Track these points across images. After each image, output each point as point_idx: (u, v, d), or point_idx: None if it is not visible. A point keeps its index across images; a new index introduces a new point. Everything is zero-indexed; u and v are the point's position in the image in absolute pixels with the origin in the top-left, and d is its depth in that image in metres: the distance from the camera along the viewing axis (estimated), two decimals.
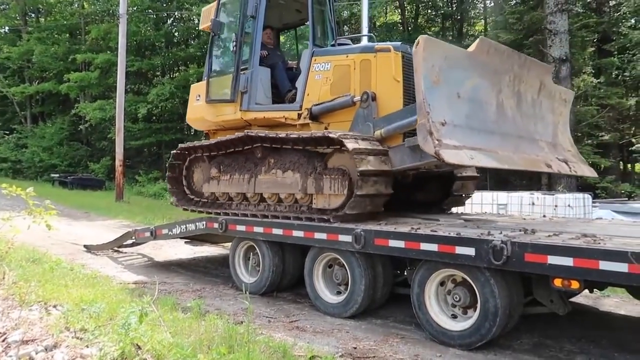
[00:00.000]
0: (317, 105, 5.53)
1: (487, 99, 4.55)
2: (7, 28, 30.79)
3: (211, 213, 6.23)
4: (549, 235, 3.83)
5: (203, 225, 6.03)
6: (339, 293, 4.89)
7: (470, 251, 3.72)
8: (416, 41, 3.97)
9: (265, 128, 6.00)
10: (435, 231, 4.11)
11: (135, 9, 23.24)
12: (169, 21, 26.57)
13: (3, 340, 3.77)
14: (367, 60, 5.24)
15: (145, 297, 4.51)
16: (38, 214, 5.43)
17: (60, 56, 26.43)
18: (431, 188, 6.26)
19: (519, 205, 9.01)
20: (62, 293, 4.93)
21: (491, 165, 4.30)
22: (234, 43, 6.13)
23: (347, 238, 4.49)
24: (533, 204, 8.90)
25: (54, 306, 4.73)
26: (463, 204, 6.64)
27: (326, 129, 5.42)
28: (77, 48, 26.12)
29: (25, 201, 5.35)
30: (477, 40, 4.49)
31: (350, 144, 4.61)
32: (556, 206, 8.72)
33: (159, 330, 3.79)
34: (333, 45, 5.93)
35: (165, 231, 6.61)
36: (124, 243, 7.87)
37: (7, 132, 28.83)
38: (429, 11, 23.95)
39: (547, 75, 5.37)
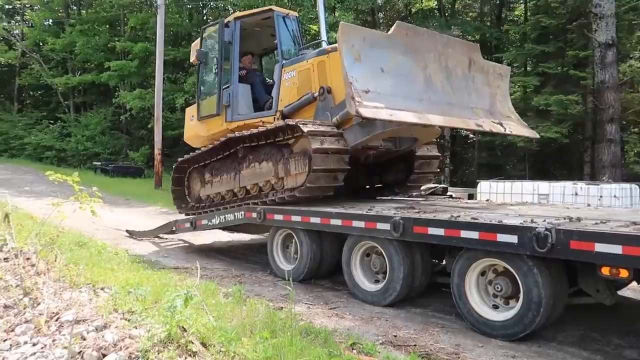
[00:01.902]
0: (286, 106, 6.47)
1: (413, 73, 5.17)
2: (50, 20, 31.76)
3: (208, 212, 7.09)
4: (596, 223, 3.72)
5: (242, 215, 6.13)
6: (377, 282, 4.90)
7: (512, 239, 3.64)
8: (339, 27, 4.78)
9: None
10: (476, 218, 4.05)
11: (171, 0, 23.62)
12: (204, 11, 26.91)
13: (57, 320, 3.95)
14: (323, 61, 6.13)
15: (187, 281, 4.65)
16: (84, 200, 5.65)
17: (101, 47, 27.12)
18: (394, 168, 6.86)
19: (561, 195, 8.75)
20: (108, 276, 5.12)
21: (410, 119, 4.85)
22: (216, 66, 7.42)
23: (385, 226, 4.48)
24: (576, 194, 8.63)
25: (102, 288, 4.91)
26: (429, 181, 7.35)
27: None
28: (117, 39, 26.76)
29: (72, 187, 5.57)
30: (395, 24, 5.16)
31: (305, 128, 5.46)
32: (601, 197, 8.42)
33: (202, 314, 3.90)
34: (296, 56, 6.85)
35: (204, 222, 6.76)
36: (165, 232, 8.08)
37: (52, 122, 29.86)
38: None
39: (475, 53, 5.91)
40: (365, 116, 4.57)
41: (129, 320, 3.84)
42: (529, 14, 20.85)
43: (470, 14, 22.51)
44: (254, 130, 6.30)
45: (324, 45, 6.58)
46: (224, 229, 6.81)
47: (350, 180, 6.09)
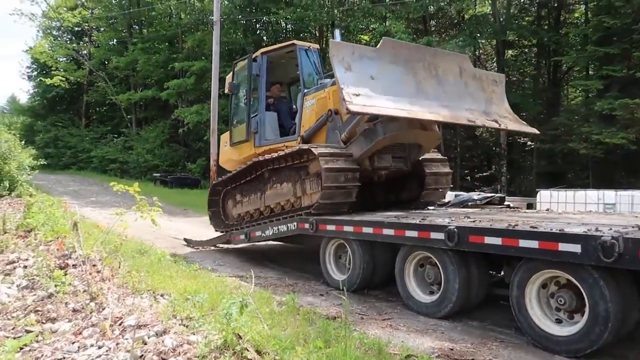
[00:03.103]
0: (306, 131, 7.02)
1: (404, 79, 5.77)
2: (115, 40, 33.74)
3: (241, 228, 7.73)
4: None
5: (294, 226, 6.20)
6: (431, 293, 4.79)
7: (575, 248, 3.46)
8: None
9: None
10: (536, 227, 3.89)
11: (226, 17, 24.42)
12: (257, 25, 27.64)
13: (120, 324, 4.14)
14: (337, 90, 6.19)
15: (242, 289, 4.74)
16: (145, 209, 5.91)
17: (160, 64, 28.46)
18: (407, 186, 7.22)
19: (629, 205, 8.25)
20: (167, 283, 5.30)
21: (397, 113, 5.43)
22: (245, 96, 8.12)
23: (440, 235, 4.38)
24: None
25: (161, 295, 5.09)
26: (442, 197, 7.54)
27: None
28: (174, 56, 27.98)
29: (134, 197, 5.84)
30: (382, 40, 5.87)
31: (316, 151, 6.04)
32: None
33: (256, 322, 3.95)
34: (316, 85, 7.39)
35: (258, 233, 6.89)
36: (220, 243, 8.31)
37: (116, 136, 31.58)
38: (522, 0, 22.67)
39: (465, 62, 6.48)
40: (354, 111, 5.17)
41: (187, 327, 3.96)
42: (589, 15, 19.96)
43: (527, 18, 21.79)
44: (275, 154, 6.86)
45: None
46: (276, 240, 6.92)
47: (368, 199, 6.61)
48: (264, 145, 7.77)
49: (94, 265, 6.04)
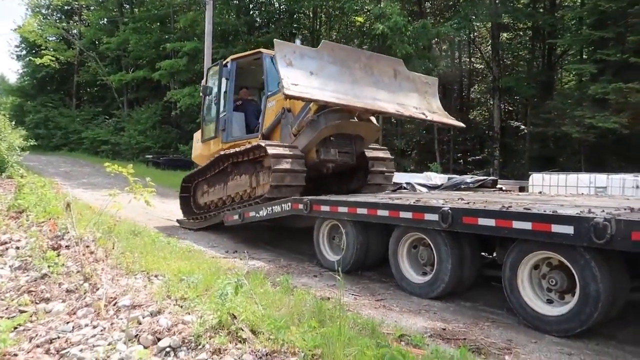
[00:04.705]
0: (266, 128, 7.79)
1: (341, 77, 6.53)
2: (105, 20, 33.13)
3: (206, 217, 8.66)
4: None
5: (288, 207, 6.20)
6: (424, 274, 4.83)
7: (568, 229, 3.49)
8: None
9: None
10: (529, 209, 3.91)
11: None
12: (251, 5, 27.24)
13: (114, 305, 4.14)
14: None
15: (236, 270, 4.75)
16: (138, 191, 5.87)
17: (152, 44, 28.03)
18: (355, 176, 7.93)
19: (620, 188, 8.31)
20: (161, 264, 5.29)
21: (330, 100, 6.16)
22: (215, 98, 8.98)
23: (434, 217, 4.40)
24: (637, 187, 8.18)
25: (155, 276, 5.08)
26: (390, 181, 8.17)
27: None
28: (167, 37, 27.58)
29: (127, 179, 5.79)
30: (321, 42, 6.79)
31: (270, 150, 6.70)
32: None
33: (251, 302, 3.97)
34: (278, 89, 7.82)
35: (252, 214, 6.89)
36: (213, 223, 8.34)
37: (107, 117, 31.23)
38: None
39: (399, 66, 7.39)
40: (289, 94, 5.86)
41: (181, 307, 3.97)
42: None
43: (522, 0, 21.63)
44: (237, 149, 7.61)
45: None
46: (269, 220, 6.94)
47: (322, 189, 7.26)
48: (230, 141, 8.54)
49: (87, 246, 6.02)
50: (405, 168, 20.23)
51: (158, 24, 30.02)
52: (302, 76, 6.12)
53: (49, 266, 5.11)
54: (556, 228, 3.55)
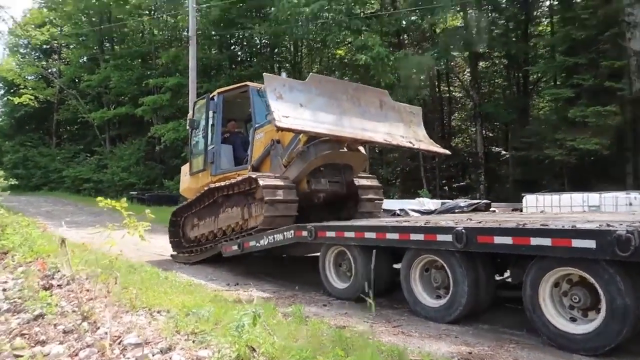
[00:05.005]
0: (255, 159, 7.82)
1: (329, 109, 6.67)
2: (85, 57, 33.02)
3: (198, 251, 8.57)
4: None
5: (291, 234, 6.08)
6: (438, 297, 4.72)
7: (590, 244, 3.44)
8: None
9: None
10: (546, 225, 3.88)
11: (200, 33, 24.26)
12: (231, 40, 27.53)
13: (119, 343, 3.92)
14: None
15: (243, 303, 4.58)
16: (133, 225, 5.68)
17: (134, 81, 27.97)
18: (345, 206, 7.92)
19: (613, 206, 8.41)
20: (163, 299, 5.08)
21: (320, 131, 6.37)
22: (204, 131, 8.97)
23: (447, 237, 4.33)
24: (630, 204, 8.29)
25: (158, 311, 4.87)
26: (379, 208, 8.20)
27: None
28: (149, 73, 27.59)
29: (112, 216, 5.59)
30: (309, 75, 6.94)
31: (261, 181, 6.75)
32: None
33: (265, 334, 3.80)
34: (265, 121, 7.99)
35: (252, 243, 6.74)
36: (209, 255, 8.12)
37: (89, 155, 30.73)
38: (492, 14, 23.22)
39: (384, 96, 7.61)
40: (281, 126, 5.97)
41: (193, 342, 3.78)
42: (555, 27, 20.57)
43: (496, 30, 22.33)
44: (228, 182, 7.62)
45: None
46: (271, 250, 6.79)
47: (311, 219, 7.01)
48: (219, 174, 8.57)
49: (81, 284, 5.77)
50: (391, 196, 20.26)
51: (139, 60, 30.06)
52: (292, 108, 6.25)
53: (42, 307, 4.86)
54: (577, 243, 3.51)
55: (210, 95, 9.07)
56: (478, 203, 10.24)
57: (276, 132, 7.32)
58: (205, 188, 8.24)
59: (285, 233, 6.15)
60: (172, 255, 9.15)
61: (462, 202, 10.76)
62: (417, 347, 3.68)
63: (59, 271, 6.18)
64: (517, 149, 20.10)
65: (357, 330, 4.04)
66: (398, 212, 11.40)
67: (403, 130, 7.58)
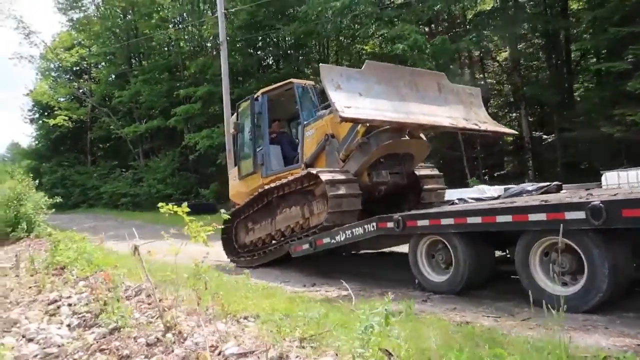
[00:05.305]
0: (308, 157, 7.59)
1: (388, 96, 6.44)
2: (114, 75, 33.36)
3: (261, 254, 8.15)
4: None
5: (373, 227, 5.57)
6: (564, 284, 4.12)
7: None
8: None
9: None
10: None
11: (228, 38, 24.07)
12: (259, 44, 27.29)
13: (219, 353, 3.48)
14: (333, 117, 6.84)
15: (343, 303, 4.10)
16: (196, 231, 5.25)
17: (164, 93, 28.04)
18: (407, 199, 7.57)
19: None
20: (246, 304, 4.66)
21: (386, 118, 6.16)
22: (250, 133, 8.88)
23: (579, 214, 3.74)
24: None
25: (245, 317, 4.45)
26: (442, 198, 7.94)
27: None
28: (178, 85, 27.61)
29: (164, 225, 5.17)
30: (365, 63, 6.70)
31: (323, 176, 6.47)
32: None
33: (384, 335, 3.29)
34: (314, 117, 7.98)
35: (326, 240, 6.28)
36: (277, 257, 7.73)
37: (124, 170, 30.97)
38: None
39: (442, 79, 7.38)
40: (345, 117, 5.75)
41: (304, 348, 3.31)
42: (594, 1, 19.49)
43: (534, 8, 21.36)
44: (284, 181, 7.39)
45: None
46: (345, 246, 6.35)
47: (372, 213, 6.57)
48: (270, 175, 8.36)
49: (149, 295, 5.43)
50: None
51: (167, 73, 30.14)
52: (352, 98, 6.06)
53: (117, 320, 4.49)
54: None
55: (255, 96, 8.89)
56: (548, 185, 9.50)
57: (329, 127, 7.25)
58: (259, 191, 7.98)
59: (366, 226, 5.64)
60: (232, 260, 8.76)
61: (529, 185, 10.02)
62: (572, 342, 3.10)
63: (123, 282, 5.86)
64: (566, 130, 19.10)
65: (485, 326, 3.49)
66: (457, 201, 10.76)
67: (464, 113, 7.27)
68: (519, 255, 4.29)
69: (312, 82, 9.46)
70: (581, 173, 19.11)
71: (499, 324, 3.74)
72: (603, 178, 8.99)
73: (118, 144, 33.18)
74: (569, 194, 8.19)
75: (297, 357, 3.11)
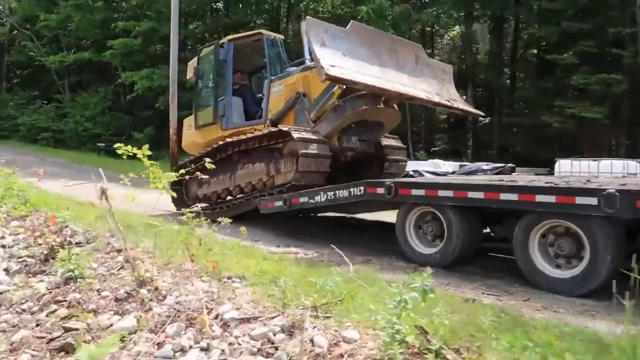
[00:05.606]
0: (274, 114, 7.40)
1: (369, 60, 6.35)
2: None
3: (215, 210, 7.66)
4: None
5: (360, 191, 5.33)
6: (558, 267, 4.16)
7: None
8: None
9: None
10: None
11: None
12: None
13: (215, 317, 3.11)
14: (306, 76, 7.12)
15: (336, 269, 3.88)
16: (157, 176, 4.75)
17: (97, 23, 25.61)
18: (371, 167, 7.60)
19: None
20: (229, 263, 4.28)
21: (371, 83, 6.06)
22: (212, 81, 8.49)
23: (590, 200, 3.73)
24: None
25: (228, 278, 4.07)
26: (403, 169, 8.11)
27: None
28: (115, 16, 25.32)
29: (142, 162, 4.65)
30: (350, 23, 6.53)
31: (295, 134, 6.29)
32: None
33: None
34: (282, 73, 7.84)
35: (304, 199, 5.97)
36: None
37: (46, 102, 28.27)
38: None
39: (420, 51, 7.41)
40: (332, 75, 5.58)
41: (317, 317, 3.04)
42: None
43: None
44: (249, 135, 7.11)
45: (307, 63, 7.35)
46: (327, 207, 6.12)
47: (334, 179, 6.65)
48: (230, 128, 8.07)
49: (108, 244, 4.89)
50: None
51: (103, 1, 27.46)
52: (336, 57, 5.88)
53: (73, 269, 3.93)
54: None
55: (220, 42, 8.48)
56: (503, 166, 9.80)
57: (300, 85, 7.04)
58: (220, 142, 7.62)
59: (352, 189, 5.40)
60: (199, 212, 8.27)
61: (484, 165, 10.31)
62: (584, 327, 3.09)
63: (67, 226, 5.22)
64: (508, 115, 19.93)
65: (498, 305, 3.41)
66: (412, 173, 10.85)
67: (437, 88, 7.34)
68: (518, 236, 4.26)
69: (281, 36, 9.16)
70: (515, 157, 20.06)
71: (504, 303, 3.69)
72: (556, 165, 9.38)
73: (40, 73, 29.96)
74: (522, 176, 8.45)
75: (315, 327, 2.83)
